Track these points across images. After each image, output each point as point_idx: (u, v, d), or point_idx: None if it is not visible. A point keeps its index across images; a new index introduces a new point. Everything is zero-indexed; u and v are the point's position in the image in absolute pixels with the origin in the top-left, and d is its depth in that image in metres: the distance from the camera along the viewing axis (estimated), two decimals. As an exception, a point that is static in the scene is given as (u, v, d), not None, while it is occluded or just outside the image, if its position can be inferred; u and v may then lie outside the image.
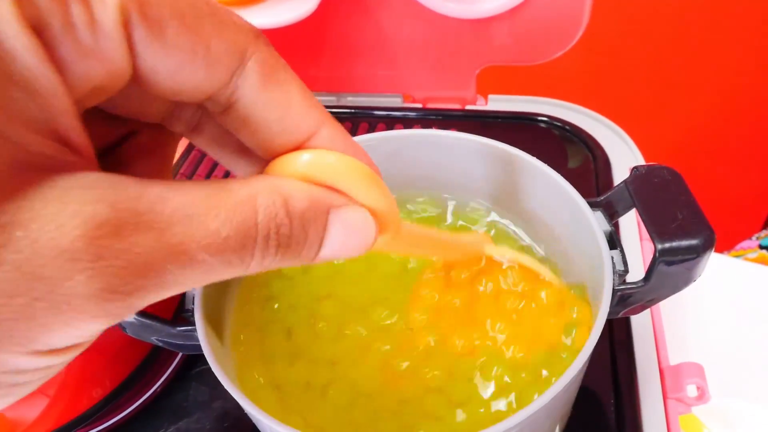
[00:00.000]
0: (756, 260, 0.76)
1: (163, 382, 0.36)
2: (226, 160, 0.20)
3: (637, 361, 0.34)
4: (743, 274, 0.52)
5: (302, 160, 0.18)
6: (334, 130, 0.18)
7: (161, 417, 0.35)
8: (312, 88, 0.62)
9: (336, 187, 0.18)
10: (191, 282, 0.15)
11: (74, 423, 0.32)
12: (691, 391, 0.32)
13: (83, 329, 0.13)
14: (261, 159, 0.18)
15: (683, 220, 0.24)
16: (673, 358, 0.35)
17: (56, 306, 0.13)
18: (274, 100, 0.17)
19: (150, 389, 0.35)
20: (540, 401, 0.21)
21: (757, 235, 0.79)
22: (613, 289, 0.24)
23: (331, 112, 0.58)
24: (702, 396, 0.32)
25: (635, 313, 0.28)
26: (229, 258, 0.15)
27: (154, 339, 0.27)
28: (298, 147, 0.18)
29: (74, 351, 0.15)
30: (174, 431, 0.34)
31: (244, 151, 0.19)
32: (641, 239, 0.40)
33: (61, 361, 0.14)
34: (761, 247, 0.75)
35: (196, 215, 0.14)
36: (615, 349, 0.34)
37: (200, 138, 0.19)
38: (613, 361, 0.34)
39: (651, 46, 0.70)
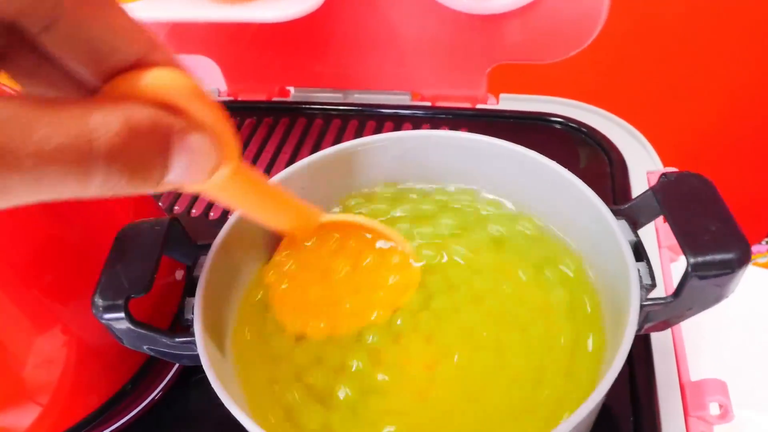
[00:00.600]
0: (765, 265, 0.75)
1: (161, 390, 0.34)
2: (44, 91, 0.18)
3: (657, 376, 0.32)
4: (753, 280, 0.51)
5: (138, 80, 0.17)
6: (165, 52, 0.18)
7: (160, 426, 0.33)
8: (318, 85, 0.61)
9: (175, 108, 0.17)
10: (24, 191, 0.14)
11: (69, 432, 0.31)
12: (714, 409, 0.31)
13: None
14: (88, 88, 0.17)
15: (717, 232, 0.22)
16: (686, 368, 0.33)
17: None
18: (103, 16, 0.16)
19: (147, 398, 0.34)
20: (567, 424, 0.20)
21: (766, 239, 0.78)
22: (641, 305, 0.23)
23: (338, 110, 0.57)
24: (725, 415, 0.31)
25: (657, 330, 0.26)
26: (65, 170, 0.14)
27: (146, 349, 0.26)
28: (130, 69, 0.17)
29: None
30: (172, 442, 0.33)
31: (66, 80, 0.18)
32: (660, 248, 0.39)
33: None
34: (772, 251, 0.73)
35: (24, 119, 0.14)
36: (634, 363, 0.32)
37: (10, 67, 0.18)
38: (632, 375, 0.32)
39: (669, 45, 0.68)
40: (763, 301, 0.51)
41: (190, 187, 0.19)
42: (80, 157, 0.14)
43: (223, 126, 0.19)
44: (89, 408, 0.31)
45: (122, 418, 0.33)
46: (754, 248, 0.75)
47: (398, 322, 0.29)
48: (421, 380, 0.27)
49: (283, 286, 0.30)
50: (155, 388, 0.34)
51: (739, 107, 0.75)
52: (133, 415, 0.34)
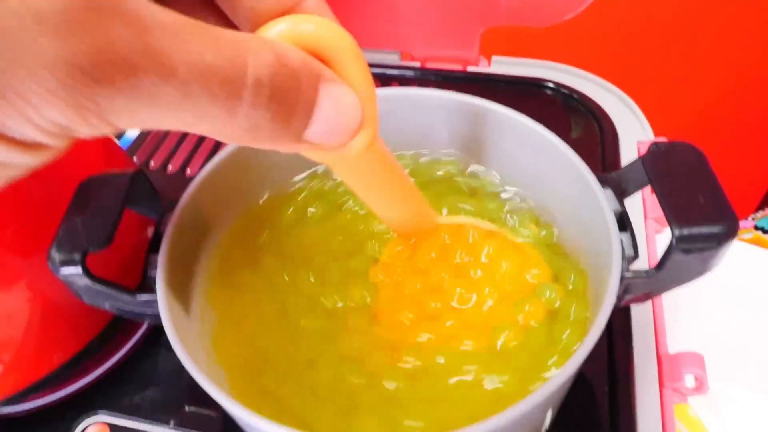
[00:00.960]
0: (751, 241, 0.75)
1: (129, 349, 0.34)
2: None
3: (635, 347, 0.32)
4: (737, 255, 0.50)
5: (293, 24, 0.16)
6: (320, 1, 0.18)
7: (127, 385, 0.33)
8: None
9: (325, 60, 0.17)
10: (170, 104, 0.13)
11: (32, 389, 0.30)
12: (689, 381, 0.31)
13: (45, 115, 0.12)
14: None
15: (704, 205, 0.21)
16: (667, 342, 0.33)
17: (16, 63, 0.12)
18: None
19: (115, 356, 0.33)
20: (540, 393, 0.19)
21: (753, 215, 0.77)
22: (621, 276, 0.22)
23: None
24: (700, 387, 0.30)
25: (638, 302, 0.25)
26: (215, 91, 0.14)
27: (107, 306, 0.24)
28: (285, 14, 0.17)
29: (36, 154, 0.14)
30: (140, 400, 0.32)
31: (222, 23, 0.18)
32: (645, 219, 0.38)
33: (21, 162, 0.14)
34: (756, 228, 0.73)
35: (184, 34, 0.13)
36: (612, 333, 0.32)
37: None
38: (610, 346, 0.32)
39: (667, 13, 0.66)
40: (745, 277, 0.51)
41: (323, 153, 0.19)
42: (230, 82, 0.14)
43: (371, 91, 0.18)
44: (53, 364, 0.30)
45: (89, 375, 0.32)
46: (740, 224, 0.75)
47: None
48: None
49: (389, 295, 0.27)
50: (124, 346, 0.34)
51: (735, 83, 0.74)
52: (101, 373, 0.33)
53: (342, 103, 0.17)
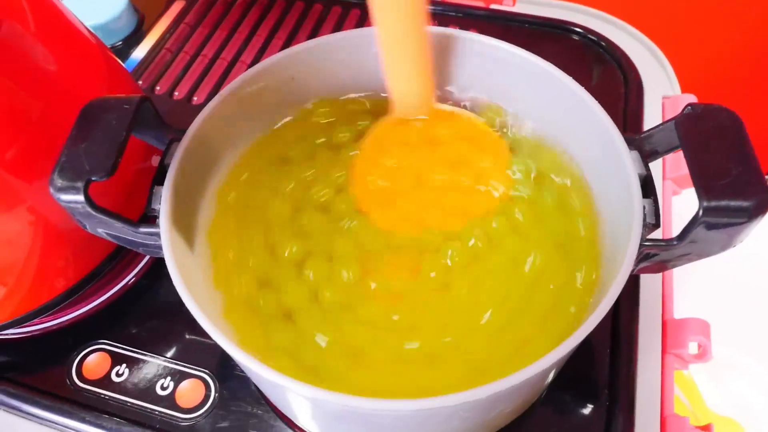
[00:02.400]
0: None
1: (132, 279, 0.33)
2: None
3: (641, 311, 0.31)
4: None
5: None
6: None
7: (130, 315, 0.33)
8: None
9: None
10: None
11: (34, 313, 0.30)
12: (693, 348, 0.31)
13: None
14: None
15: (737, 177, 0.20)
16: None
17: None
18: None
19: (117, 285, 0.33)
20: (548, 359, 0.19)
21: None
22: (640, 244, 0.21)
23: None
24: (703, 355, 0.30)
25: (651, 272, 0.25)
26: None
27: (107, 235, 0.24)
28: None
29: None
30: (141, 332, 0.32)
31: None
32: (663, 179, 0.37)
33: None
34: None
35: None
36: (619, 296, 0.31)
37: None
38: (616, 307, 0.31)
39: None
40: (761, 244, 0.50)
41: None
42: None
43: None
44: (56, 290, 0.30)
45: (90, 303, 0.32)
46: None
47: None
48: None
49: (372, 180, 0.28)
50: (126, 275, 0.33)
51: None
52: (103, 301, 0.33)
53: None
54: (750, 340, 0.46)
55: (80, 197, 0.21)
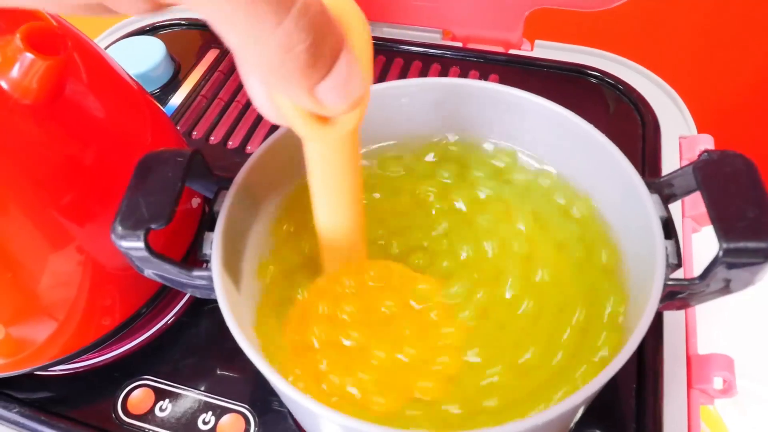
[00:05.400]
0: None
1: (174, 315, 0.35)
2: None
3: (665, 346, 0.32)
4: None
5: None
6: None
7: (171, 351, 0.34)
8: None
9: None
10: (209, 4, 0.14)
11: (82, 351, 0.31)
12: (717, 383, 0.31)
13: None
14: None
15: (754, 219, 0.21)
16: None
17: None
18: None
19: (159, 322, 0.34)
20: (575, 398, 0.20)
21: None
22: (664, 284, 0.22)
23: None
24: (728, 390, 0.31)
25: (674, 308, 0.26)
26: (260, 6, 0.14)
27: (158, 277, 0.26)
28: None
29: None
30: (183, 367, 0.34)
31: None
32: (683, 217, 0.38)
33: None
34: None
35: None
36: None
37: None
38: (641, 344, 0.32)
39: (718, 5, 0.64)
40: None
41: (309, 127, 0.19)
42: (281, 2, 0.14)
43: (370, 75, 0.19)
44: (103, 329, 0.31)
45: (135, 340, 0.34)
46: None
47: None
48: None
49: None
50: (168, 314, 0.35)
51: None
52: (146, 338, 0.34)
53: (354, 70, 0.17)
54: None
55: (141, 244, 0.23)
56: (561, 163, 0.30)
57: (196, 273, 0.25)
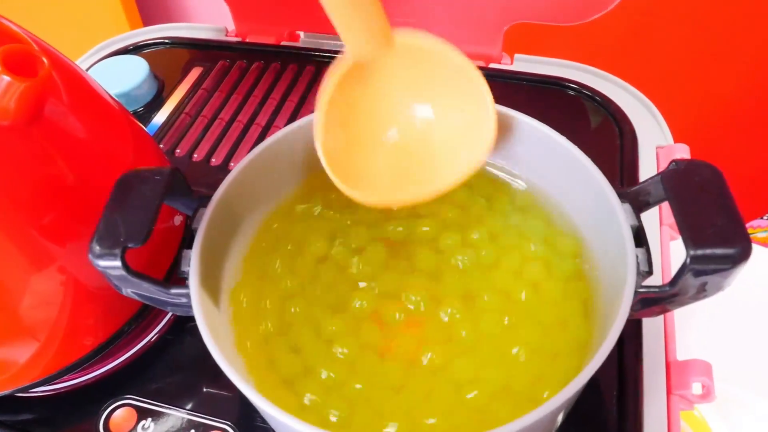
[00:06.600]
0: (763, 240, 0.75)
1: (156, 333, 0.35)
2: None
3: (644, 352, 0.33)
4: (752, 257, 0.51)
5: None
6: None
7: (153, 370, 0.34)
8: (321, 31, 0.59)
9: None
10: None
11: (64, 371, 0.31)
12: (696, 389, 0.32)
13: None
14: None
15: (720, 227, 0.22)
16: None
17: None
18: None
19: (142, 341, 0.34)
20: (551, 403, 0.20)
21: (767, 215, 0.77)
22: (635, 291, 0.23)
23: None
24: (707, 395, 0.31)
25: (650, 315, 0.26)
26: None
27: (138, 296, 0.26)
28: None
29: None
30: (165, 386, 0.33)
31: None
32: (661, 225, 0.39)
33: None
34: (771, 226, 0.73)
35: None
36: (623, 339, 0.33)
37: None
38: (620, 350, 0.32)
39: (693, 16, 0.65)
40: (758, 278, 0.51)
41: None
42: None
43: None
44: (85, 348, 0.31)
45: (117, 359, 0.34)
46: (754, 222, 0.75)
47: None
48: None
49: (337, 140, 0.25)
50: (150, 332, 0.35)
51: (755, 84, 0.73)
52: (128, 357, 0.34)
53: None
54: (760, 378, 0.46)
55: (118, 263, 0.23)
56: (532, 173, 0.31)
57: (174, 291, 0.25)
